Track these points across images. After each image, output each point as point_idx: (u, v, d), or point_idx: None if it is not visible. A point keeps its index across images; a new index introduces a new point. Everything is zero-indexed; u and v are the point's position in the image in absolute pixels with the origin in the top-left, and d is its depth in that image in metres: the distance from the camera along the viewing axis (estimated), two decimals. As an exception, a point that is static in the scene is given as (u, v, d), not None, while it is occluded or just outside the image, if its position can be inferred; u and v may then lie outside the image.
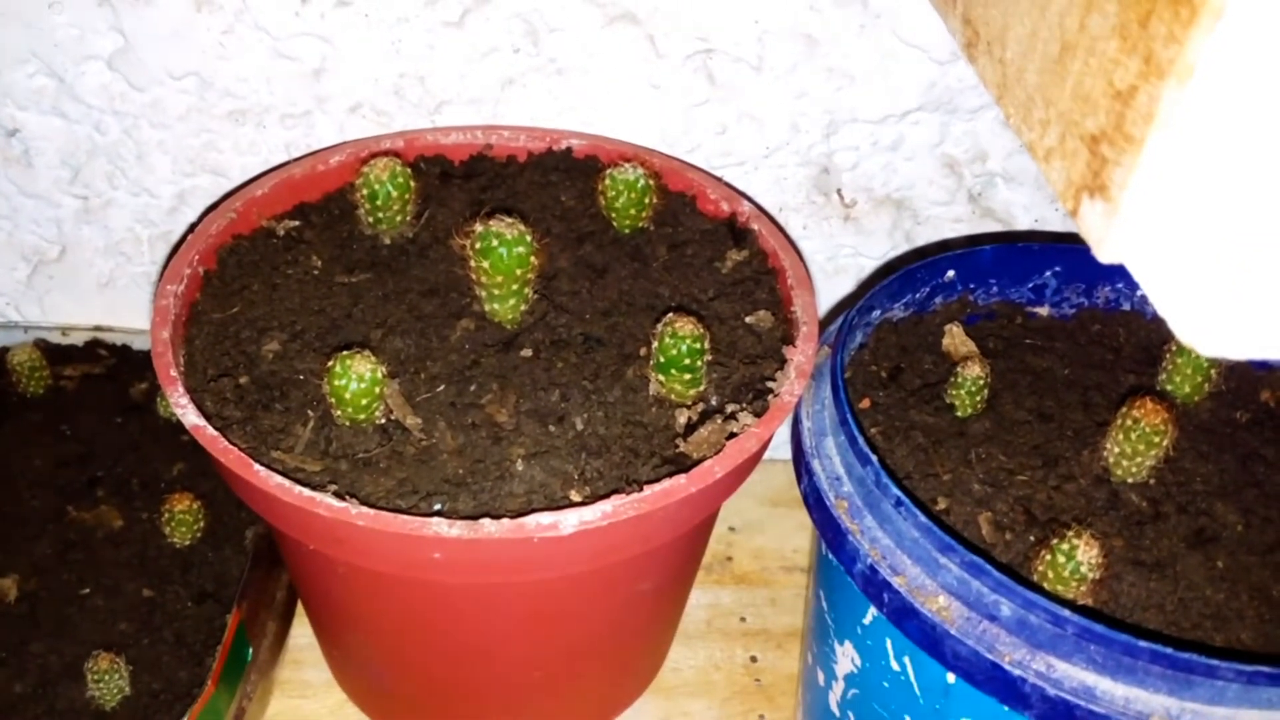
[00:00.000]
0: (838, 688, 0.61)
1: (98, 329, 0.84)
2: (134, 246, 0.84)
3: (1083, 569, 0.49)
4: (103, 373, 0.82)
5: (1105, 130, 0.38)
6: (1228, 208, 0.34)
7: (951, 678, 0.51)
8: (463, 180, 0.75)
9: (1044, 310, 0.70)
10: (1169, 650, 0.44)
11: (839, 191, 0.85)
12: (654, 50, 0.76)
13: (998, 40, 0.48)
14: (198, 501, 0.70)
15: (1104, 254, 0.39)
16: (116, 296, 0.87)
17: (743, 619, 0.83)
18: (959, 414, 0.61)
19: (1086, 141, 0.40)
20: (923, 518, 0.49)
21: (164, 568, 0.69)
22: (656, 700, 0.77)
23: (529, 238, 0.61)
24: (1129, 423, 0.56)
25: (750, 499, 0.92)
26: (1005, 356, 0.66)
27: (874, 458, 0.52)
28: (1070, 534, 0.50)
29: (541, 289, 0.66)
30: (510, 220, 0.60)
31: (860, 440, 0.53)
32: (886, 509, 0.51)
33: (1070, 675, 0.47)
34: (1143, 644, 0.44)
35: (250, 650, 0.67)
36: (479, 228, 0.60)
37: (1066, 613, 0.45)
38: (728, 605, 0.84)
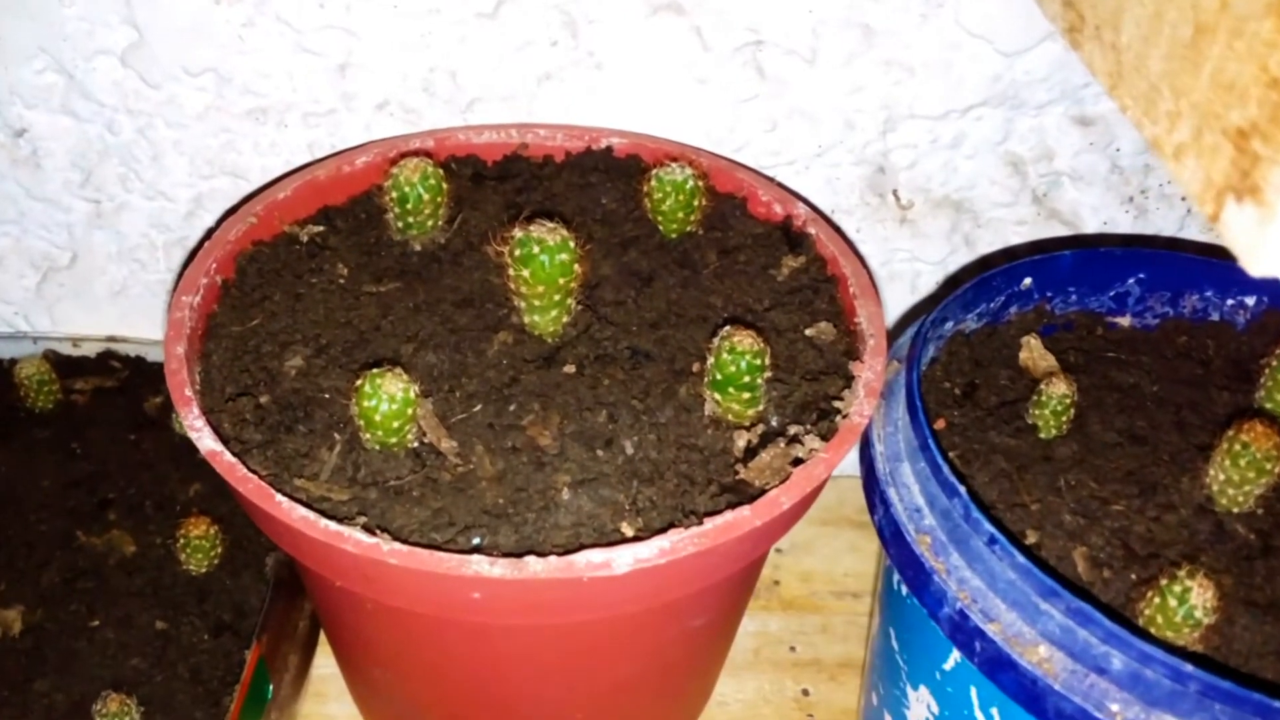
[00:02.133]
0: (908, 732, 0.56)
1: (110, 340, 0.80)
2: (149, 253, 0.80)
3: (1197, 613, 0.44)
4: (115, 386, 0.77)
5: (1257, 123, 0.33)
6: None
7: (1049, 733, 0.46)
8: (497, 182, 0.70)
9: (1125, 320, 0.65)
10: (1307, 714, 0.39)
11: (895, 192, 0.80)
12: (700, 42, 0.72)
13: (1109, 24, 0.42)
14: (215, 526, 0.65)
15: (1257, 266, 0.33)
16: (130, 305, 0.82)
17: (792, 648, 0.78)
18: (1042, 435, 0.56)
19: (1231, 136, 0.34)
20: (1020, 558, 0.44)
21: (179, 597, 0.65)
22: (704, 738, 0.72)
23: (572, 244, 0.56)
24: (1237, 447, 0.51)
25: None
26: (1087, 371, 0.61)
27: (962, 489, 0.47)
28: (1182, 573, 0.45)
29: (584, 299, 0.61)
30: (552, 225, 0.56)
31: (945, 469, 0.47)
32: (977, 546, 0.46)
33: (1190, 737, 0.41)
34: (1278, 705, 0.39)
35: (270, 687, 0.63)
36: (518, 233, 0.55)
37: (1189, 668, 0.40)
38: (776, 633, 0.79)
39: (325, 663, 0.73)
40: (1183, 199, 0.81)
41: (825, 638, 0.79)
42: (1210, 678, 0.40)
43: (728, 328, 0.54)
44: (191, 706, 0.60)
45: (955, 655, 0.49)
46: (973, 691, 0.49)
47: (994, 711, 0.49)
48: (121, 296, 0.82)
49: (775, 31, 0.71)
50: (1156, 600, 0.45)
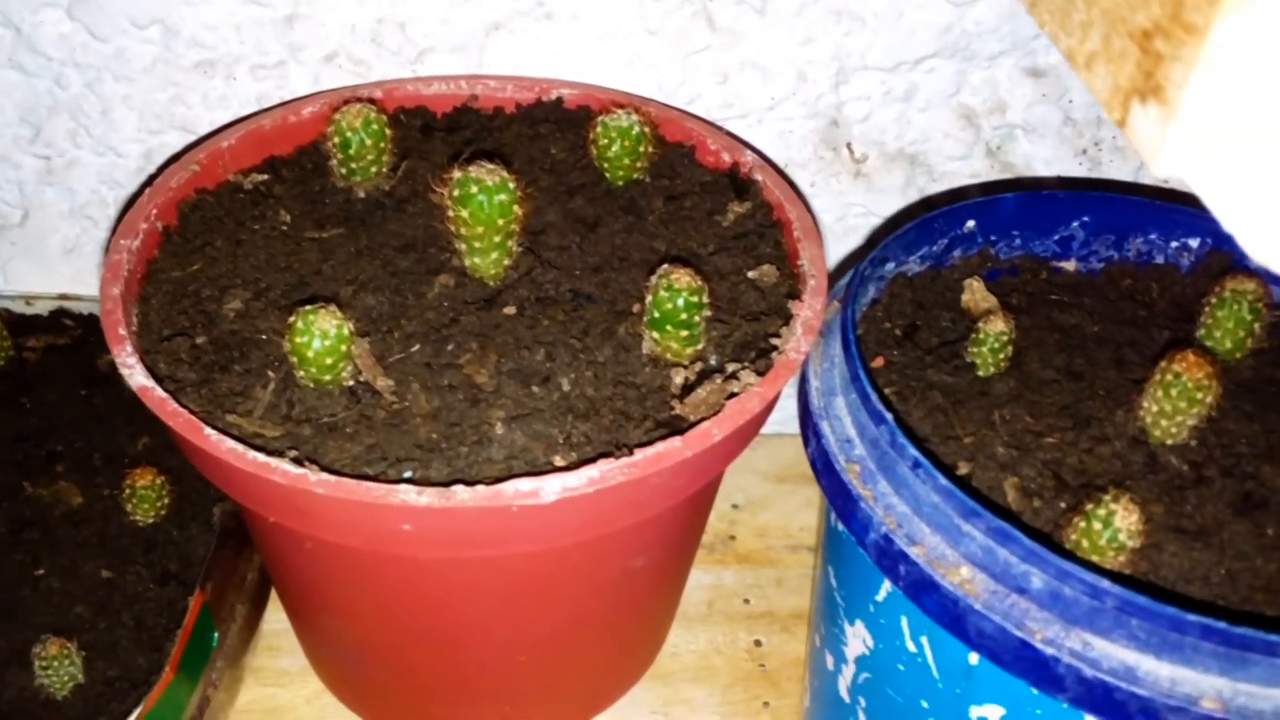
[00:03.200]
0: (848, 671, 0.56)
1: (63, 298, 0.80)
2: (100, 210, 0.80)
3: (1121, 536, 0.44)
4: (68, 343, 0.77)
5: (1160, 22, 0.33)
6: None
7: (974, 658, 0.46)
8: (446, 133, 0.70)
9: (1070, 265, 0.65)
10: (1223, 625, 0.39)
11: (849, 146, 0.79)
12: (650, -8, 0.71)
13: (1025, -59, 0.42)
14: (161, 476, 0.65)
15: (1160, 166, 0.33)
16: (83, 264, 0.82)
17: (746, 600, 0.78)
18: (981, 373, 0.56)
19: (1137, 38, 0.34)
20: (944, 480, 0.44)
21: (125, 547, 0.65)
22: (655, 686, 0.72)
23: (511, 184, 0.56)
24: (1169, 378, 0.51)
25: (754, 475, 0.87)
26: (1029, 313, 0.61)
27: (889, 416, 0.47)
28: (1107, 498, 0.45)
29: (528, 244, 0.61)
30: (491, 166, 0.55)
31: (873, 397, 0.48)
32: (903, 472, 0.46)
33: (1109, 654, 0.42)
34: (1193, 618, 0.39)
35: (216, 635, 0.63)
36: (457, 174, 0.55)
37: (1106, 584, 0.40)
38: (730, 586, 0.79)
39: (279, 618, 0.73)
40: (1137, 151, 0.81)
41: (779, 590, 0.79)
42: (1126, 593, 0.40)
43: (665, 266, 0.54)
44: (134, 652, 0.60)
45: (886, 586, 0.49)
46: (904, 621, 0.50)
47: (924, 640, 0.49)
48: (74, 254, 0.82)
49: (725, -19, 0.71)
50: (1082, 524, 0.46)
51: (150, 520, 0.66)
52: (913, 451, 0.45)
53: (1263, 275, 0.61)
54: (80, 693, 0.58)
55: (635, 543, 0.55)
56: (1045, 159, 0.80)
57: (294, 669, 0.72)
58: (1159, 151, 0.33)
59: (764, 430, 0.91)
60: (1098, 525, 0.45)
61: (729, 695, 0.72)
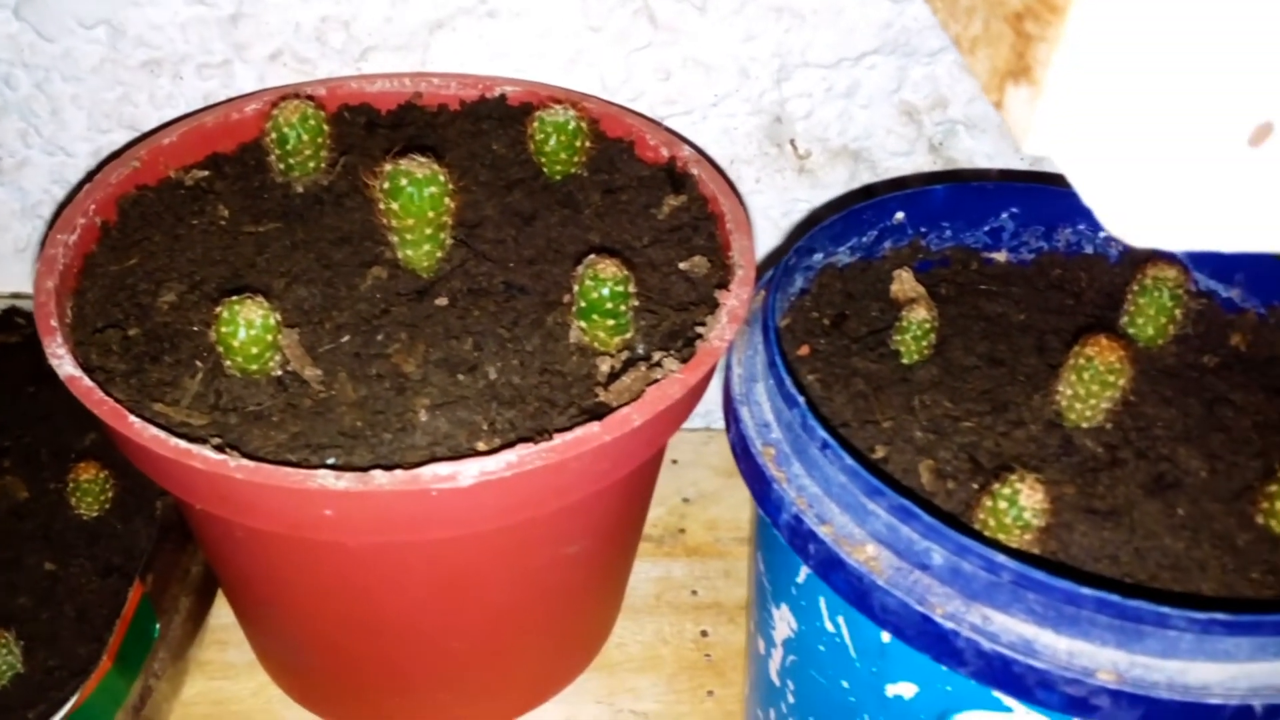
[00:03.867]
0: (777, 655, 0.57)
1: (15, 296, 0.80)
2: (51, 209, 0.80)
3: (1026, 515, 0.45)
4: (19, 341, 0.78)
5: (1030, 4, 0.34)
6: (1153, 84, 0.30)
7: (886, 637, 0.47)
8: (389, 130, 0.71)
9: (1001, 256, 0.66)
10: (1116, 598, 0.40)
11: (792, 142, 0.80)
12: (590, -10, 0.72)
13: (921, -68, 0.43)
14: (105, 471, 0.66)
15: (1029, 144, 0.34)
16: (34, 263, 0.83)
17: (694, 592, 0.79)
18: (905, 360, 0.57)
19: (1011, 21, 0.35)
20: (849, 460, 0.45)
21: (69, 540, 0.65)
22: (600, 677, 0.73)
23: (442, 177, 0.56)
24: (1081, 362, 0.52)
25: (706, 469, 0.87)
26: (957, 302, 0.62)
27: (801, 399, 0.48)
28: (1013, 478, 0.46)
29: (464, 237, 0.62)
30: (422, 160, 0.56)
31: (788, 381, 0.48)
32: (814, 454, 0.47)
33: (1008, 628, 0.42)
34: (1086, 591, 0.40)
35: (157, 627, 0.63)
36: (388, 168, 0.56)
37: (1002, 558, 0.41)
38: (679, 578, 0.80)
39: (227, 612, 0.73)
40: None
41: (727, 582, 0.79)
42: (1021, 567, 0.41)
43: (592, 256, 0.55)
44: (75, 642, 0.60)
45: (805, 568, 0.50)
46: (822, 602, 0.50)
47: (840, 620, 0.50)
48: (26, 254, 0.82)
49: (664, -21, 0.72)
50: (989, 504, 0.46)
51: (94, 514, 0.66)
52: (821, 433, 0.46)
53: (1184, 263, 0.62)
54: (19, 681, 0.58)
55: (564, 529, 0.56)
56: (988, 154, 0.81)
57: (241, 662, 0.72)
58: (1028, 131, 0.34)
59: (714, 426, 0.92)
60: (1003, 504, 0.46)
61: (674, 684, 0.73)
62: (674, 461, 0.88)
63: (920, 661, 0.47)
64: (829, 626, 0.51)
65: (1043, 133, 0.34)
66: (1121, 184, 0.31)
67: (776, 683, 0.58)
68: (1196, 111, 0.29)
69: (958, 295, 0.63)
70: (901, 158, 0.81)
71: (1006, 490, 0.46)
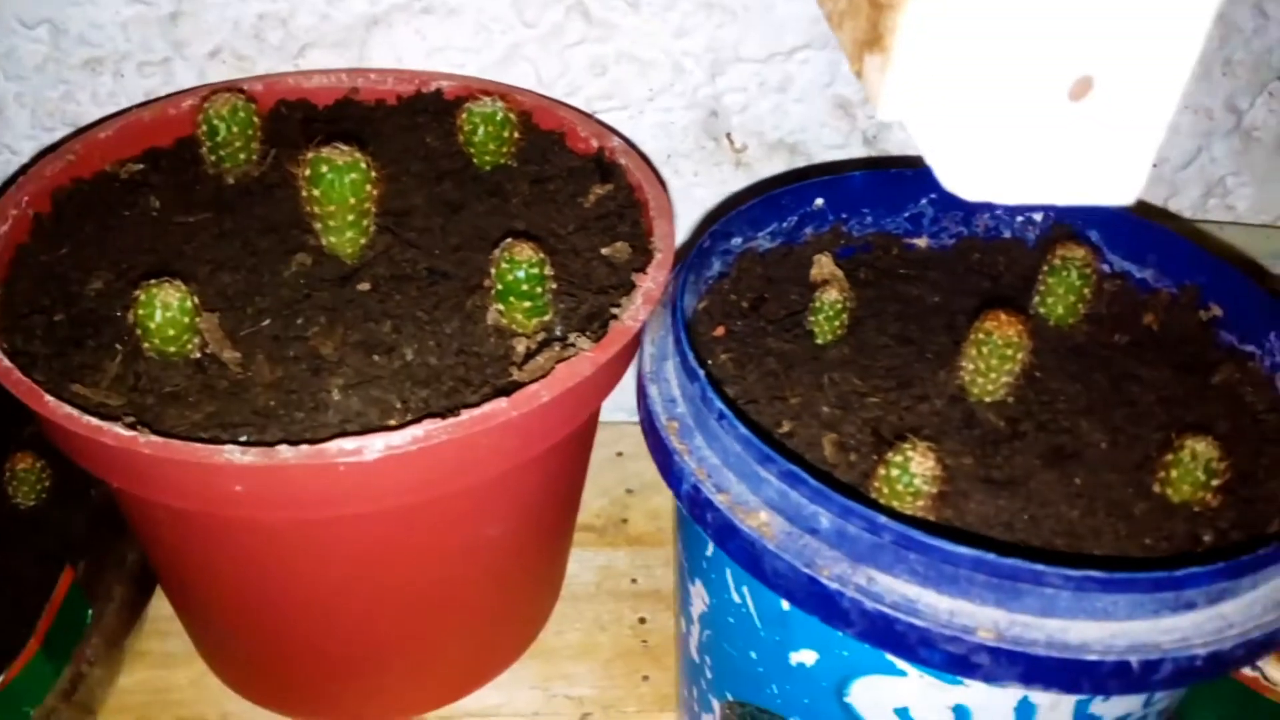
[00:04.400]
0: (695, 631, 0.58)
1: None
2: (-3, 207, 0.81)
3: (917, 482, 0.46)
4: (-35, 337, 0.78)
5: (879, -24, 0.35)
6: (986, 46, 0.31)
7: (786, 605, 0.48)
8: (326, 124, 0.72)
9: (923, 241, 0.67)
10: (991, 557, 0.41)
11: (729, 136, 0.82)
12: (523, -14, 0.74)
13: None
14: (41, 460, 0.67)
15: (882, 110, 0.36)
16: (-18, 260, 0.83)
17: (634, 580, 0.80)
18: (818, 340, 0.58)
19: (866, -6, 0.37)
20: (743, 429, 0.46)
21: (5, 529, 0.66)
22: (535, 663, 0.73)
23: (364, 164, 0.58)
24: (981, 336, 0.53)
25: (649, 461, 0.88)
26: (875, 286, 0.63)
27: (701, 373, 0.49)
28: (905, 446, 0.47)
29: (391, 225, 0.63)
30: (345, 148, 0.57)
31: (690, 355, 0.49)
32: (713, 425, 0.48)
33: (892, 589, 0.43)
34: (963, 550, 0.41)
35: (90, 612, 0.64)
36: (310, 155, 0.57)
37: (883, 519, 0.42)
38: (620, 568, 0.81)
39: (169, 603, 0.74)
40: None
41: (667, 570, 0.80)
42: (901, 528, 0.42)
43: (508, 240, 0.56)
44: (5, 628, 0.61)
45: (712, 542, 0.51)
46: (728, 574, 0.51)
47: (745, 591, 0.51)
48: (-27, 251, 0.83)
49: (595, -25, 0.73)
50: (883, 472, 0.48)
51: (31, 503, 0.67)
52: (719, 404, 0.47)
53: (1092, 243, 0.64)
54: (-53, 666, 0.59)
55: (482, 508, 0.57)
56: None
57: (180, 653, 0.73)
58: (880, 97, 0.36)
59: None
60: (896, 472, 0.47)
61: (610, 670, 0.74)
62: (619, 454, 0.89)
63: (818, 629, 0.48)
64: (735, 598, 0.52)
65: (893, 98, 0.35)
66: (961, 143, 0.32)
67: (696, 659, 0.59)
68: (1024, 70, 0.30)
69: (876, 279, 0.64)
70: (837, 150, 0.83)
71: (898, 458, 0.47)
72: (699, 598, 0.56)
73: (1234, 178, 0.88)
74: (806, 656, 0.50)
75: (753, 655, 0.53)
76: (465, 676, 0.70)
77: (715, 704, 0.59)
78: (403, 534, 0.55)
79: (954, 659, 0.42)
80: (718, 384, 0.52)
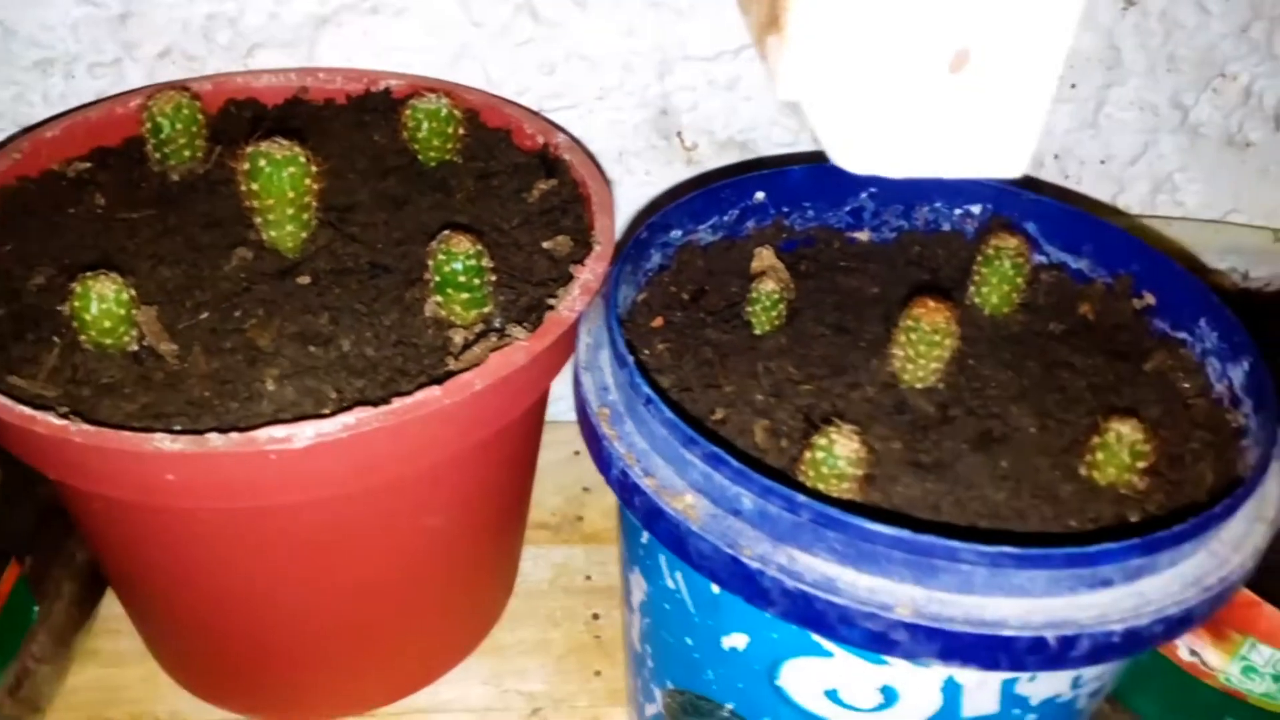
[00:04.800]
0: (636, 621, 0.58)
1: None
2: (-50, 208, 0.81)
3: (841, 464, 0.47)
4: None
5: (777, -40, 0.36)
6: (872, 24, 0.32)
7: (716, 588, 0.49)
8: (275, 123, 0.72)
9: (864, 235, 0.68)
10: (906, 533, 0.41)
11: (679, 134, 0.82)
12: (470, -14, 0.74)
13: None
14: (-11, 457, 0.66)
15: (780, 89, 0.36)
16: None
17: (588, 577, 0.80)
18: (756, 331, 0.59)
19: (767, -22, 0.37)
20: (669, 413, 0.46)
21: (-49, 526, 0.66)
22: (487, 659, 0.74)
23: (302, 158, 0.58)
24: (910, 323, 0.53)
25: (605, 457, 0.88)
26: (816, 278, 0.63)
27: (630, 359, 0.49)
28: (830, 429, 0.47)
29: (334, 220, 0.63)
30: (284, 142, 0.58)
31: (620, 342, 0.50)
32: (641, 410, 0.48)
33: (812, 567, 0.44)
34: (879, 528, 0.42)
35: (36, 609, 0.64)
36: (249, 150, 0.58)
37: (801, 498, 0.43)
38: (575, 565, 0.81)
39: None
40: (957, 136, 0.84)
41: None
42: (819, 506, 0.43)
43: (445, 232, 0.57)
44: (-50, 624, 0.61)
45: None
46: (662, 560, 0.52)
47: (678, 576, 0.51)
48: (-74, 253, 0.83)
49: (543, -26, 0.74)
50: (809, 456, 0.48)
51: (-21, 501, 0.67)
52: (646, 389, 0.48)
53: (1029, 234, 0.64)
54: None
55: (421, 498, 0.57)
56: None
57: (132, 651, 0.73)
58: (779, 77, 0.36)
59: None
60: (821, 455, 0.47)
61: (562, 665, 0.74)
62: (575, 453, 0.89)
63: (748, 612, 0.48)
64: (670, 583, 0.52)
65: (790, 77, 0.36)
66: (851, 119, 0.33)
67: (639, 649, 0.59)
68: (906, 45, 0.31)
69: (817, 272, 0.64)
70: (787, 149, 0.84)
71: (823, 441, 0.47)
72: (638, 586, 0.56)
73: (1181, 174, 0.89)
74: (738, 640, 0.50)
75: (688, 641, 0.53)
76: (415, 672, 0.70)
77: (657, 693, 0.59)
78: (341, 524, 0.56)
79: (873, 636, 0.43)
80: (646, 370, 0.53)
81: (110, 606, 0.75)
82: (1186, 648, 0.61)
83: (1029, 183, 0.87)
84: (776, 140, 0.83)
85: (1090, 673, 0.49)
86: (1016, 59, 0.30)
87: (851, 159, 0.32)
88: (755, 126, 0.82)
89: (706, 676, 0.54)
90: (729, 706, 0.54)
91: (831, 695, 0.49)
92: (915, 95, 0.31)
